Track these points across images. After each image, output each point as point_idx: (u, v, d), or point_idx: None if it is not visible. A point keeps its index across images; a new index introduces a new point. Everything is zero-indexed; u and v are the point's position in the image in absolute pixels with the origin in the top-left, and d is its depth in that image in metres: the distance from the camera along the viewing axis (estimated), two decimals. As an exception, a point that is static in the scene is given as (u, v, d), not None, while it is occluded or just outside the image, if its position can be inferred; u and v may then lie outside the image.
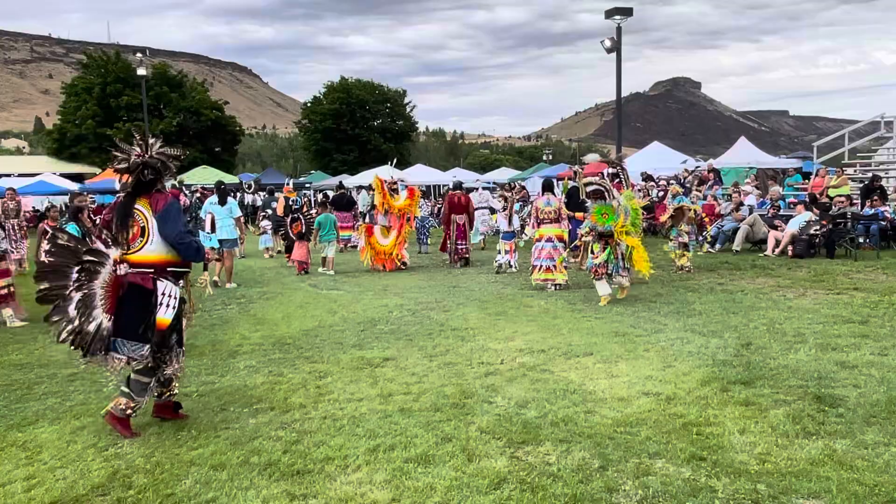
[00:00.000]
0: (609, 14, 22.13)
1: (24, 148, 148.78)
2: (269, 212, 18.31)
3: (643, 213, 12.16)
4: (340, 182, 29.98)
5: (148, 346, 4.80)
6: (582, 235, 10.14)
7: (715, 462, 4.06)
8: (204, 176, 33.68)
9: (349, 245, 18.03)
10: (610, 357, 6.52)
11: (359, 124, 55.56)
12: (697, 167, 24.35)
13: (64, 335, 4.63)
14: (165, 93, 48.01)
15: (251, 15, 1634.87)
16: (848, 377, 5.61)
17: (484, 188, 26.09)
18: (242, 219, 13.77)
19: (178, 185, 20.99)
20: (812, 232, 13.63)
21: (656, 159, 26.44)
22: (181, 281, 5.04)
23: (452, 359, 6.67)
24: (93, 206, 27.96)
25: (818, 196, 16.04)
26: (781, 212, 15.91)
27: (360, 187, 29.65)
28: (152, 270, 4.84)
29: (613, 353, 6.67)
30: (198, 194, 24.00)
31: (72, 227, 9.39)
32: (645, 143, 35.83)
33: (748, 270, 11.94)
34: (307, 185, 39.90)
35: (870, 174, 17.55)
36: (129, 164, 4.81)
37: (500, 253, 13.17)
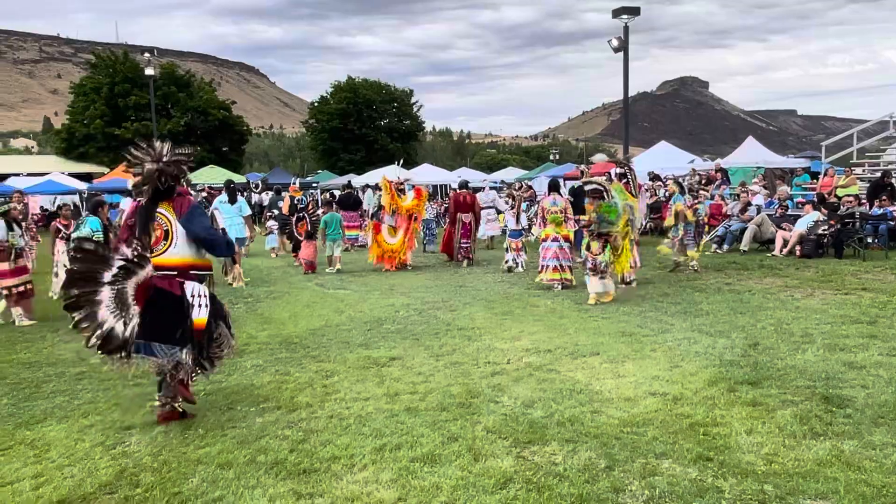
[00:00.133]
0: (616, 13, 22.07)
1: (32, 147, 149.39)
2: (276, 211, 18.34)
3: (650, 213, 12.19)
4: (349, 182, 30.02)
5: (185, 349, 4.87)
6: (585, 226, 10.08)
7: (722, 462, 4.05)
8: (211, 175, 33.74)
9: (356, 245, 18.06)
10: (616, 357, 6.51)
11: (366, 124, 55.56)
12: (693, 169, 24.31)
13: (93, 340, 4.66)
14: (173, 92, 48.15)
15: (258, 15, 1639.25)
16: (856, 378, 5.58)
17: (491, 188, 26.06)
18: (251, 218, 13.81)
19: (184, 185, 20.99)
20: (820, 232, 13.56)
21: (664, 159, 26.34)
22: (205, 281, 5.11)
23: (459, 358, 6.67)
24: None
25: (826, 196, 15.97)
26: (789, 212, 15.84)
27: (366, 186, 29.66)
28: (176, 273, 4.89)
29: (620, 352, 6.66)
30: (204, 194, 24.07)
31: (93, 222, 9.45)
32: (652, 143, 35.70)
33: (756, 270, 11.90)
34: (314, 185, 39.95)
35: (878, 174, 17.46)
36: (143, 174, 4.84)
37: (507, 251, 13.21)
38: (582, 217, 9.90)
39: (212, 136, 48.87)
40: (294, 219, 14.91)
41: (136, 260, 4.75)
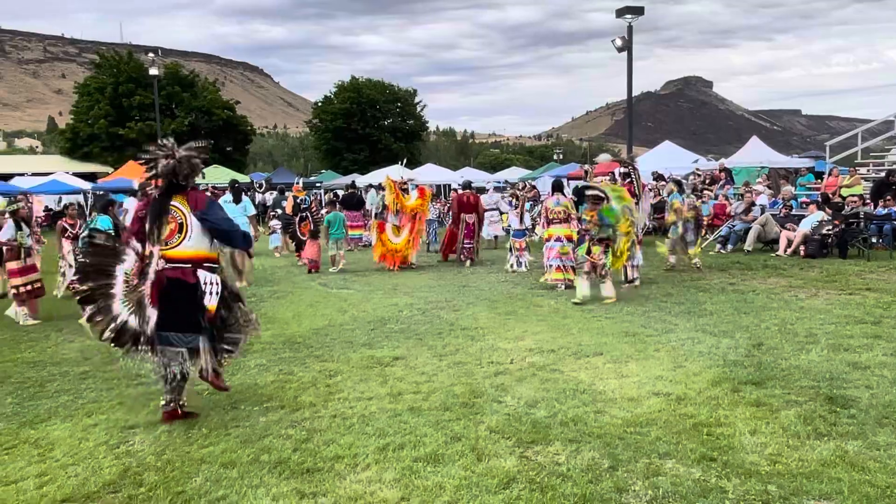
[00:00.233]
0: (620, 13, 22.05)
1: (37, 147, 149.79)
2: (279, 211, 18.35)
3: (654, 213, 12.18)
4: (353, 182, 30.02)
5: (202, 336, 4.98)
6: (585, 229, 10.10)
7: (725, 463, 4.05)
8: (215, 175, 33.77)
9: (361, 244, 18.07)
10: (620, 357, 6.50)
11: (369, 124, 55.58)
12: (697, 168, 24.29)
13: (107, 333, 4.75)
14: (177, 92, 48.20)
15: (263, 15, 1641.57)
16: (860, 378, 5.57)
17: (495, 188, 26.04)
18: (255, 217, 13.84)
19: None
20: (824, 232, 13.53)
21: (667, 158, 26.29)
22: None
23: (462, 358, 6.67)
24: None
25: (831, 196, 15.93)
26: (794, 211, 15.81)
27: (369, 186, 29.68)
28: (190, 265, 4.97)
29: (624, 353, 6.66)
30: (207, 193, 24.04)
31: (104, 220, 9.47)
32: (656, 143, 35.65)
33: (760, 270, 11.88)
34: (317, 185, 39.98)
35: (883, 173, 17.41)
36: (158, 170, 4.89)
37: (511, 252, 13.22)
38: (584, 216, 9.90)
39: (216, 135, 48.83)
40: (297, 218, 14.91)
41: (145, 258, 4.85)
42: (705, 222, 17.90)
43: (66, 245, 11.02)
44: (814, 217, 13.95)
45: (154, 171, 4.91)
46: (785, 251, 13.73)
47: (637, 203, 10.81)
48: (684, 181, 12.33)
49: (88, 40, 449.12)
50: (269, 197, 27.43)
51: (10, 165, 46.12)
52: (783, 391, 5.30)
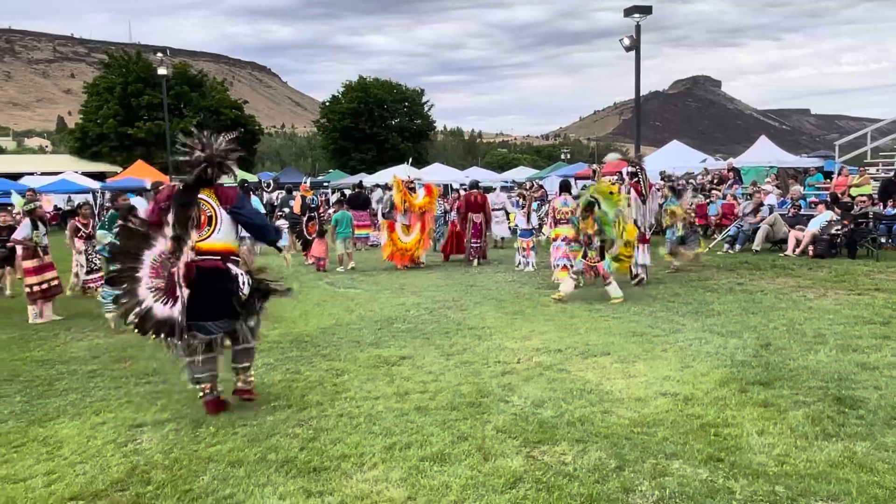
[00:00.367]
0: (628, 12, 21.96)
1: (46, 147, 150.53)
2: (287, 210, 18.38)
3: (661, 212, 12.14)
4: (360, 181, 30.00)
5: (237, 321, 5.13)
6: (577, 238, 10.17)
7: (733, 463, 4.03)
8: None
9: (369, 244, 18.08)
10: (627, 357, 6.49)
11: (377, 123, 55.67)
12: (705, 168, 24.26)
13: (131, 317, 4.83)
14: (186, 92, 48.39)
15: (271, 15, 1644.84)
16: (869, 379, 5.54)
17: (502, 188, 26.01)
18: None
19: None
20: (833, 232, 13.47)
21: (675, 158, 26.24)
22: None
23: (469, 358, 6.67)
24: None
25: (840, 195, 15.85)
26: (802, 211, 15.74)
27: (375, 186, 29.70)
28: (220, 258, 5.07)
29: (631, 352, 6.64)
30: (237, 187, 24.05)
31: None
32: (664, 142, 35.58)
33: (768, 270, 11.84)
34: (325, 184, 40.03)
35: (892, 173, 17.31)
36: (191, 160, 4.97)
37: (518, 251, 13.24)
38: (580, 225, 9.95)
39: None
40: (305, 218, 14.92)
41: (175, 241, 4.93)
42: (713, 222, 17.88)
43: (80, 244, 11.05)
44: (823, 217, 13.89)
45: (186, 159, 4.98)
46: (793, 251, 13.67)
47: (644, 202, 10.81)
48: (682, 184, 12.21)
49: (98, 40, 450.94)
50: (274, 196, 27.50)
51: (20, 165, 46.43)
52: (791, 392, 5.28)
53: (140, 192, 24.06)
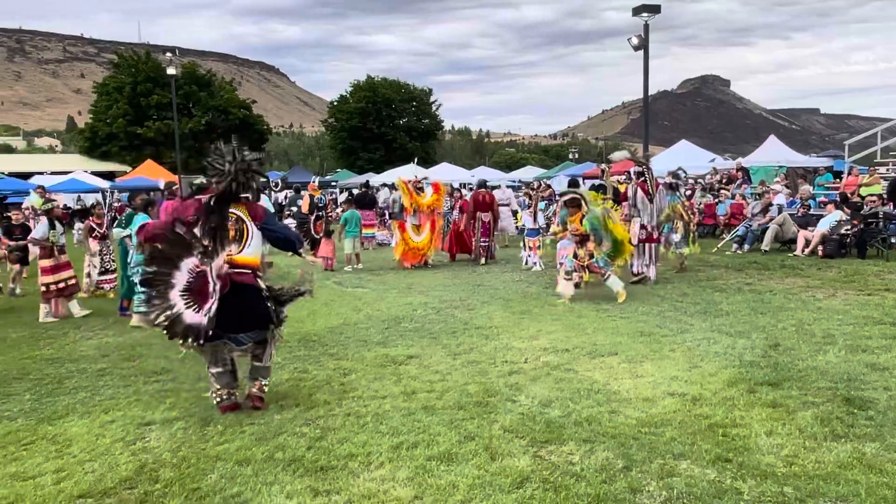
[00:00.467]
0: (636, 11, 21.89)
1: (56, 146, 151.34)
2: (295, 209, 18.41)
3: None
4: (367, 181, 30.04)
5: (267, 330, 5.29)
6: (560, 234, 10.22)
7: (741, 464, 4.02)
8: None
9: (376, 243, 18.11)
10: (635, 357, 6.47)
11: (385, 123, 55.73)
12: (713, 168, 24.16)
13: (161, 319, 4.90)
14: (194, 92, 48.59)
15: (279, 14, 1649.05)
16: (878, 379, 5.51)
17: (508, 186, 25.96)
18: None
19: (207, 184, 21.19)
20: (843, 232, 13.40)
21: (684, 158, 26.10)
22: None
23: (476, 357, 6.67)
24: (118, 204, 28.40)
25: (850, 195, 15.75)
26: (812, 211, 15.65)
27: (382, 185, 29.74)
28: (251, 271, 5.21)
29: (639, 352, 6.63)
30: (263, 204, 24.10)
31: (142, 219, 9.57)
32: (673, 142, 35.47)
33: (777, 270, 11.78)
34: (333, 184, 40.09)
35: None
36: (221, 175, 4.98)
37: (524, 250, 13.26)
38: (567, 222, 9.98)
39: (232, 134, 49.18)
40: (313, 217, 14.94)
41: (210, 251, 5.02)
42: (721, 221, 17.81)
43: (94, 245, 11.09)
44: (832, 217, 13.81)
45: (214, 174, 5.00)
46: (803, 251, 13.60)
47: (651, 202, 10.79)
48: (676, 183, 12.11)
49: (107, 40, 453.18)
50: (284, 196, 27.56)
51: (30, 164, 46.75)
52: (800, 392, 5.26)
53: (151, 191, 24.10)
